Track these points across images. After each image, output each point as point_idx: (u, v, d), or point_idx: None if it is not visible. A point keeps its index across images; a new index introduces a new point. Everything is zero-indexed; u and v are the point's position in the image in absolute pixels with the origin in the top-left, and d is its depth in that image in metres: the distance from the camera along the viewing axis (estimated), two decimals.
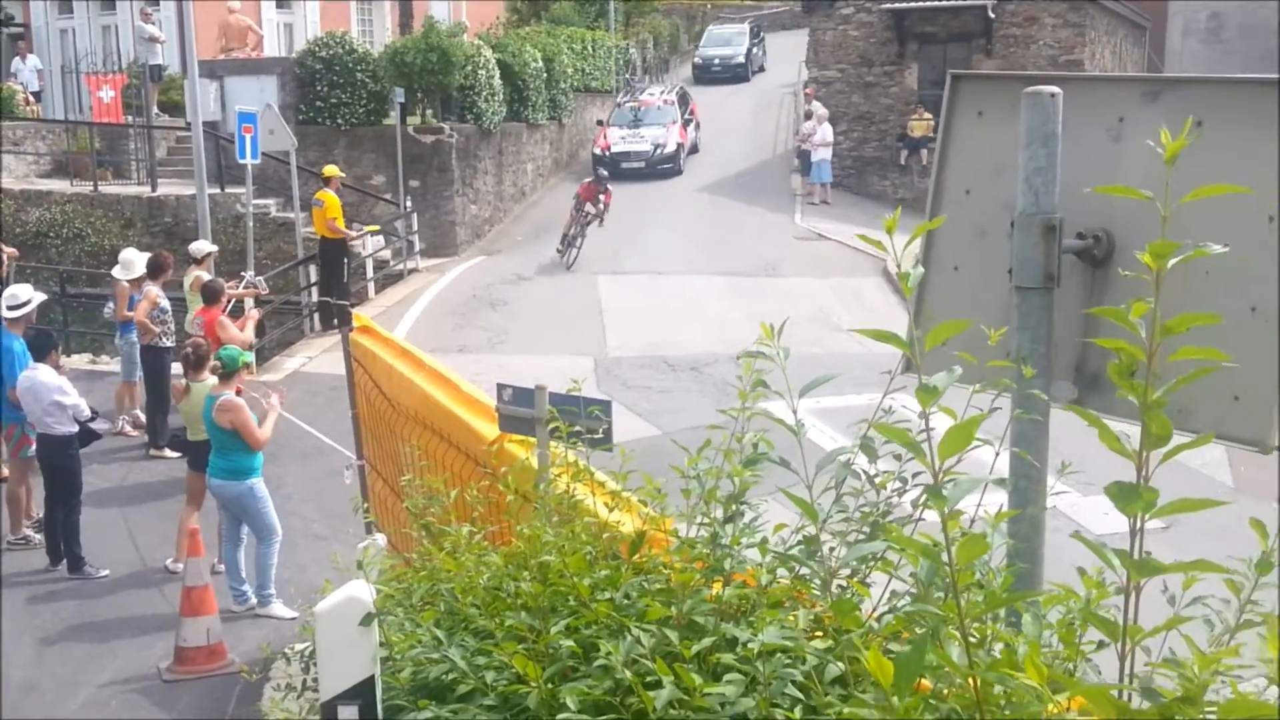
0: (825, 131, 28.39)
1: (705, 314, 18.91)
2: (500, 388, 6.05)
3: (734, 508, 3.13)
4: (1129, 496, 1.64)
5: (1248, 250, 3.02)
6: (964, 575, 1.80)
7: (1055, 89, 3.22)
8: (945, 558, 1.71)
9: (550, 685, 2.86)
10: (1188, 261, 2.00)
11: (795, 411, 2.37)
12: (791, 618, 2.40)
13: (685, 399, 14.46)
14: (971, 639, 2.05)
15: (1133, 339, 1.78)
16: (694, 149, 32.96)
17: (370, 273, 20.80)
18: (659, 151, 30.48)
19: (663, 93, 33.96)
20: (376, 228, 20.11)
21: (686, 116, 32.84)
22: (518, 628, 3.18)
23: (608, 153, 30.19)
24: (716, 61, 43.13)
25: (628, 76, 37.95)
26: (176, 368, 11.03)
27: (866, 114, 30.95)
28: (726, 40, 44.50)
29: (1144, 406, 1.65)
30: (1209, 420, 3.02)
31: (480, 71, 24.52)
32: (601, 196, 22.34)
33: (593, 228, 22.50)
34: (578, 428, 4.46)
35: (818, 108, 29.40)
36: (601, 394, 14.09)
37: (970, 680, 1.79)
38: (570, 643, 2.94)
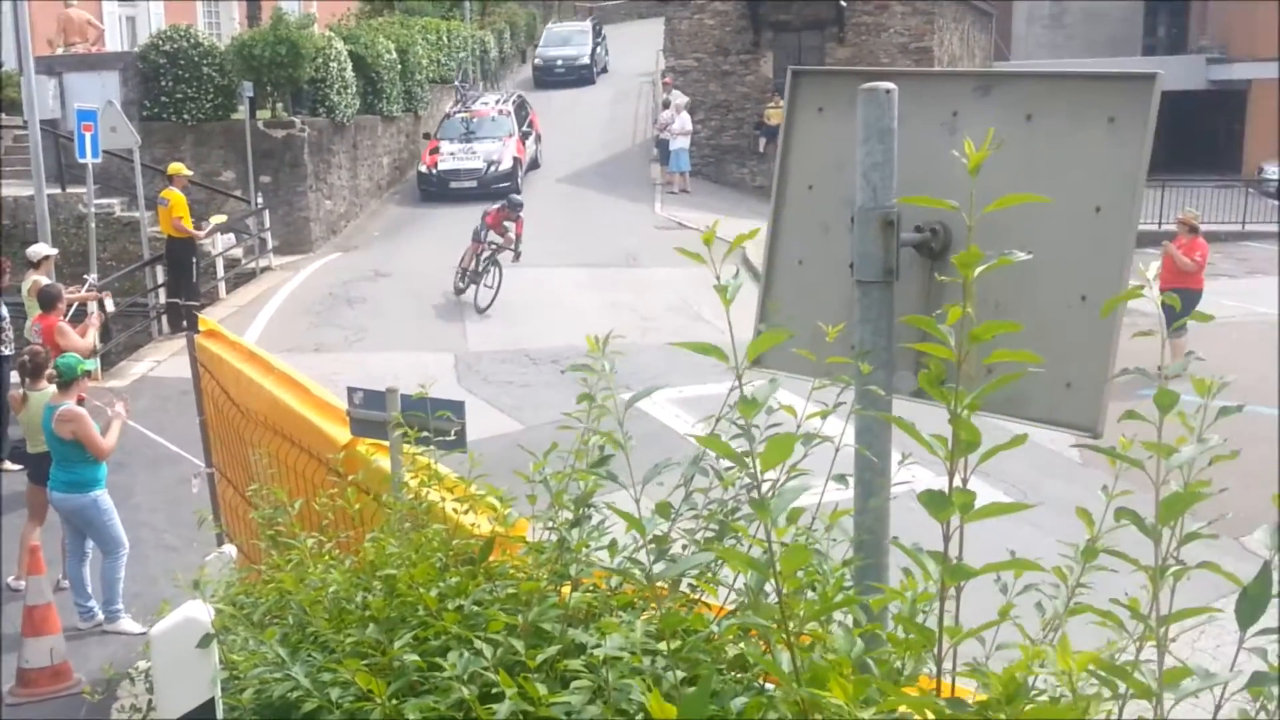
0: (684, 120, 28.55)
1: (566, 306, 18.83)
2: (351, 391, 5.94)
3: (581, 510, 3.09)
4: (940, 503, 1.64)
5: (1077, 240, 3.09)
6: (791, 582, 1.79)
7: (891, 85, 3.25)
8: (773, 565, 1.70)
9: (395, 701, 2.80)
10: (993, 269, 2.02)
11: (622, 424, 2.34)
12: (631, 628, 2.38)
13: (547, 393, 14.38)
14: (807, 639, 2.05)
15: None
16: (534, 164, 30.02)
17: (221, 272, 20.27)
18: (493, 169, 27.10)
19: (498, 101, 30.56)
20: (224, 218, 19.59)
21: (525, 129, 29.79)
22: (364, 642, 3.11)
23: (434, 170, 27.33)
24: (559, 63, 40.17)
25: (458, 83, 34.55)
26: (16, 377, 10.59)
27: (724, 102, 31.27)
28: (566, 39, 41.35)
29: (952, 415, 1.65)
30: (1042, 407, 3.08)
31: (332, 64, 24.06)
32: (511, 225, 19.44)
33: (506, 260, 19.31)
34: (426, 432, 4.38)
35: (677, 96, 29.53)
36: (463, 390, 14.01)
37: (795, 689, 1.79)
38: (415, 656, 2.87)
